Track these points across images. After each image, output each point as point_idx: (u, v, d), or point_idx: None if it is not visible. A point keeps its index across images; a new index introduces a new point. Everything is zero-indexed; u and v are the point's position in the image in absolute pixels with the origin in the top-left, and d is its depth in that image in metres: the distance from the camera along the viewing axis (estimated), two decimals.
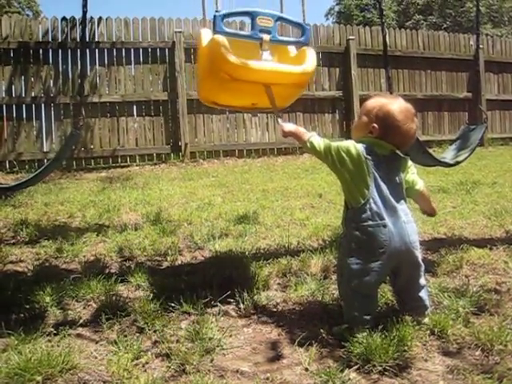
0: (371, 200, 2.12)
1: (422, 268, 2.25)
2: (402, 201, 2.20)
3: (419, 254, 2.22)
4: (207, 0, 3.13)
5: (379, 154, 2.17)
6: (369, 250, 2.13)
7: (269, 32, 2.75)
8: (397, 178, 2.20)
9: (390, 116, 2.18)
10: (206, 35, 2.96)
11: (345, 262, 2.20)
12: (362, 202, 2.14)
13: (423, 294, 2.25)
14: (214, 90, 2.92)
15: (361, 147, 2.18)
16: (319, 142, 2.26)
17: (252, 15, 2.73)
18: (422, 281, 2.25)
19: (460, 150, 3.67)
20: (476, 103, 9.06)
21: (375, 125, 2.19)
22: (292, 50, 3.07)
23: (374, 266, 2.12)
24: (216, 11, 2.69)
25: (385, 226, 2.11)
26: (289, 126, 2.43)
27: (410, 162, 2.30)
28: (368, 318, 2.14)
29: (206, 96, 3.09)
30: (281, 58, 2.96)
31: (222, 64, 2.62)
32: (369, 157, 2.15)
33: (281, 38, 2.86)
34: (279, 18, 2.84)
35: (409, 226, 2.16)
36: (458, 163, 3.64)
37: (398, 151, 2.20)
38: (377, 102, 2.25)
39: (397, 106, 2.20)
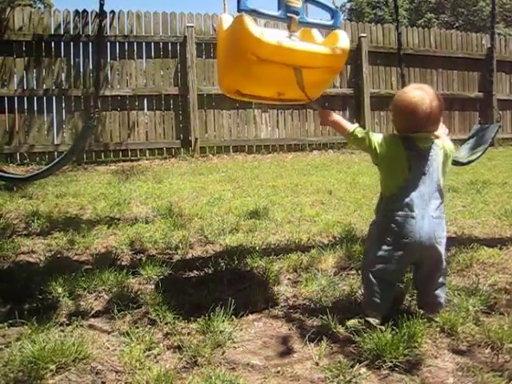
0: (404, 191, 2.16)
1: (444, 266, 2.27)
2: (437, 195, 2.22)
3: (443, 251, 2.23)
4: None
5: (421, 148, 2.20)
6: (394, 239, 2.16)
7: (297, 13, 2.50)
8: (435, 173, 2.21)
9: (394, 107, 2.26)
10: (227, 20, 2.74)
11: (371, 247, 2.24)
12: (395, 192, 2.18)
13: (440, 291, 2.25)
14: (239, 76, 2.64)
15: (401, 141, 2.22)
16: (363, 133, 2.30)
17: None
18: (442, 279, 2.27)
19: (473, 149, 3.67)
20: (487, 103, 8.99)
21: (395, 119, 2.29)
22: (317, 36, 2.82)
23: (397, 254, 2.16)
24: None
25: (413, 217, 2.13)
26: (332, 116, 2.46)
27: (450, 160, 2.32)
28: (385, 304, 2.17)
29: (229, 85, 2.80)
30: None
31: (250, 42, 2.37)
32: (409, 150, 2.19)
33: (310, 19, 2.61)
34: None
35: (437, 221, 2.19)
36: (470, 162, 3.64)
37: (443, 145, 2.25)
38: None
39: (397, 95, 2.27)
